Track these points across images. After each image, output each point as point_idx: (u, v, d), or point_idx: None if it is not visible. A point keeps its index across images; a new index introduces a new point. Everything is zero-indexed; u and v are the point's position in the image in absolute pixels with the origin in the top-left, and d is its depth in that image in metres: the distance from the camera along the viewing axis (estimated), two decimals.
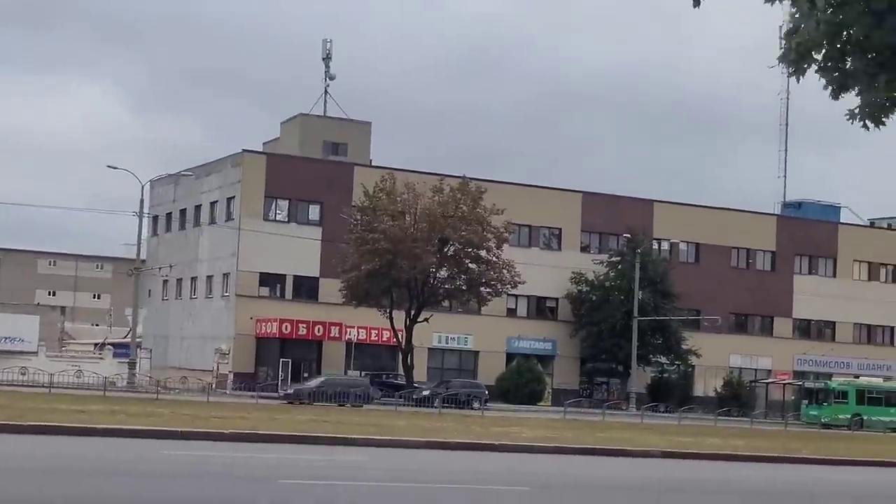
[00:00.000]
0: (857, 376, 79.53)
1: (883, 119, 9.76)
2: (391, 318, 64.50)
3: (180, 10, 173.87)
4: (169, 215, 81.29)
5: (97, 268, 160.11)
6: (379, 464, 18.73)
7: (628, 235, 77.03)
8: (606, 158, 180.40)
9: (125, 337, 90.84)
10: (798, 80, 9.90)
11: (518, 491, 15.59)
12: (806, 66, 9.74)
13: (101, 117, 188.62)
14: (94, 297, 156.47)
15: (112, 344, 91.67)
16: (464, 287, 64.36)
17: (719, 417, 62.33)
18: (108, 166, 66.26)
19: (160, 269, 72.22)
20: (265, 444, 21.53)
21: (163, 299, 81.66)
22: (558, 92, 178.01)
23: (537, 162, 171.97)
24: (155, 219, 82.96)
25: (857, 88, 9.75)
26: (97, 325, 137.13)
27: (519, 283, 64.62)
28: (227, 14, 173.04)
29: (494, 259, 63.88)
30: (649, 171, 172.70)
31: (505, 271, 63.79)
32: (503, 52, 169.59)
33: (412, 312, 64.22)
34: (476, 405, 62.05)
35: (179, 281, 79.17)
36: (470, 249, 63.21)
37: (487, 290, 64.53)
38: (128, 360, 62.97)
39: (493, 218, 64.27)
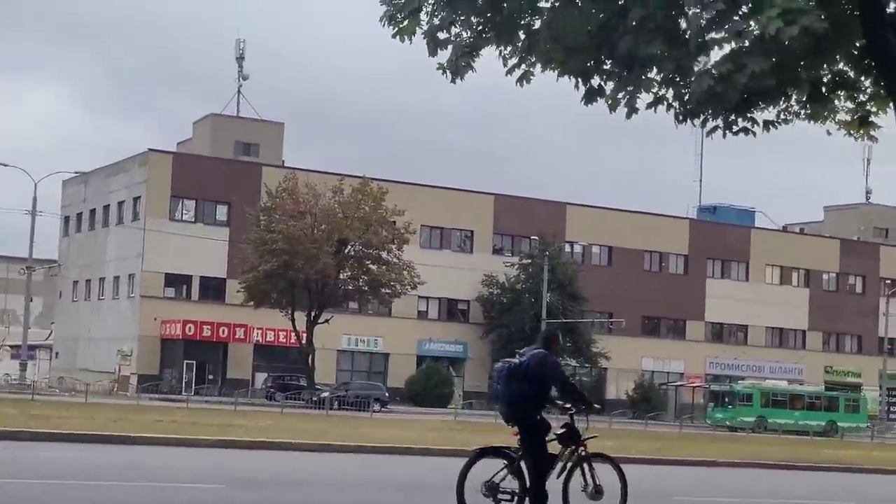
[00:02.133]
0: (764, 380, 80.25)
1: (462, 71, 9.97)
2: (293, 319, 64.31)
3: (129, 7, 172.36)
4: (80, 215, 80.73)
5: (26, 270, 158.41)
6: (88, 461, 18.22)
7: (534, 237, 77.32)
8: (537, 162, 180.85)
9: (47, 339, 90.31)
10: (403, 40, 9.99)
11: (206, 488, 15.40)
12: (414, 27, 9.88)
13: (50, 117, 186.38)
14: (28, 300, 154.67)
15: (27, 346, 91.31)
16: (365, 288, 64.32)
17: (615, 420, 62.48)
18: None
19: (49, 268, 71.62)
20: (26, 442, 21.56)
21: (73, 300, 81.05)
22: (487, 97, 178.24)
23: (463, 164, 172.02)
24: (66, 219, 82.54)
25: (450, 39, 9.92)
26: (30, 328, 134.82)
27: (419, 283, 64.63)
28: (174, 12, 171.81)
29: (395, 260, 63.88)
30: (569, 174, 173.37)
31: (405, 272, 63.76)
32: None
33: (312, 314, 64.04)
34: (376, 407, 62.17)
35: (88, 282, 78.66)
36: (370, 250, 63.17)
37: (387, 291, 64.50)
38: (19, 361, 62.41)
39: (396, 218, 64.25)
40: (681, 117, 10.29)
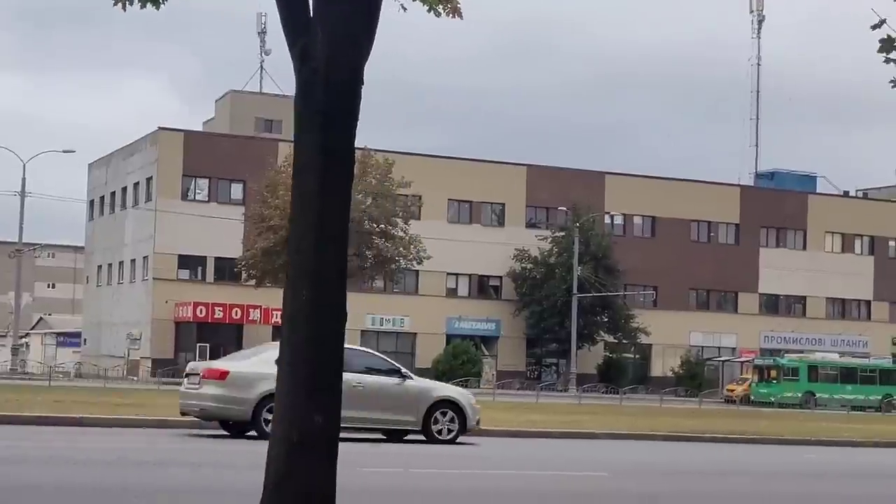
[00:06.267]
0: (836, 354, 75.24)
1: None
2: None
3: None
4: (102, 199, 79.32)
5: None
6: None
7: (563, 208, 73.67)
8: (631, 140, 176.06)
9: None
10: None
11: None
12: None
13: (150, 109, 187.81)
14: None
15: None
16: (367, 265, 61.22)
17: (626, 395, 58.79)
18: None
19: (32, 249, 70.17)
20: None
21: (97, 285, 79.70)
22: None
23: (494, 143, 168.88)
24: (91, 203, 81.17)
25: None
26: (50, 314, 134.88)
27: (425, 258, 61.39)
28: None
29: (402, 234, 60.87)
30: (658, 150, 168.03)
31: (412, 247, 60.66)
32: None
33: None
34: None
35: (110, 266, 77.17)
36: (375, 225, 60.18)
37: (392, 266, 61.53)
38: (11, 347, 61.01)
39: (404, 191, 61.28)
40: None
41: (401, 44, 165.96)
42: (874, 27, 8.85)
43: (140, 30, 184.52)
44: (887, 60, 9.18)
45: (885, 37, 8.90)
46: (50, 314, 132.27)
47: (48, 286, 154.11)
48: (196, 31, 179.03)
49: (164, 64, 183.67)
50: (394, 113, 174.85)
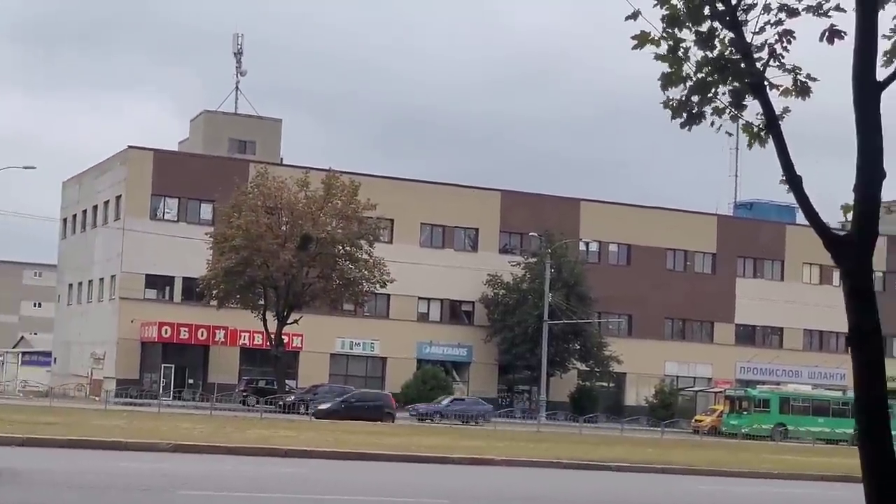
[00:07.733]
0: (786, 385, 74.76)
1: None
2: (264, 320, 61.32)
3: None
4: (74, 217, 78.92)
5: None
6: None
7: (534, 234, 73.14)
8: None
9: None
10: None
11: None
12: None
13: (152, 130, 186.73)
14: None
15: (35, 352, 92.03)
16: (332, 287, 60.71)
17: (583, 424, 58.07)
18: None
19: None
20: None
21: (67, 304, 79.20)
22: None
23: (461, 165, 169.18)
24: (64, 221, 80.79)
25: None
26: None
27: (388, 281, 60.88)
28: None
29: (366, 257, 60.41)
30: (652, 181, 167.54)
31: (375, 270, 60.17)
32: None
33: (282, 314, 60.82)
34: None
35: (80, 285, 76.68)
36: (339, 248, 59.75)
37: (357, 288, 60.99)
38: None
39: (370, 213, 60.86)
40: None
41: (407, 67, 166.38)
42: (628, 18, 8.26)
43: (142, 51, 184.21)
44: (656, 57, 8.57)
45: (640, 32, 8.31)
46: (35, 333, 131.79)
47: (34, 305, 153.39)
48: (197, 53, 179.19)
49: (166, 85, 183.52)
50: (387, 137, 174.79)
